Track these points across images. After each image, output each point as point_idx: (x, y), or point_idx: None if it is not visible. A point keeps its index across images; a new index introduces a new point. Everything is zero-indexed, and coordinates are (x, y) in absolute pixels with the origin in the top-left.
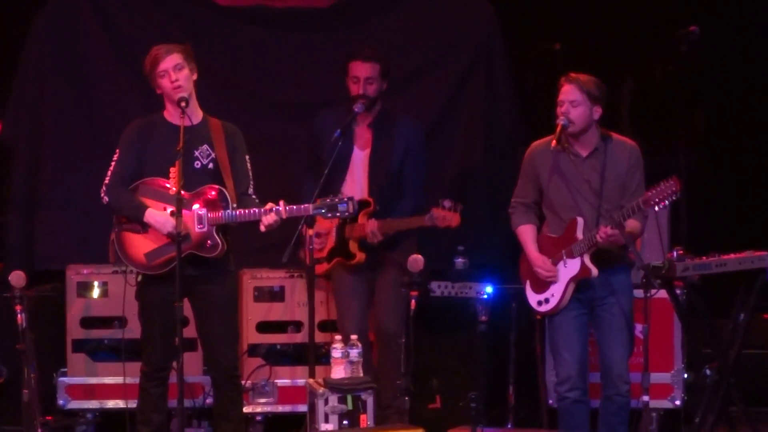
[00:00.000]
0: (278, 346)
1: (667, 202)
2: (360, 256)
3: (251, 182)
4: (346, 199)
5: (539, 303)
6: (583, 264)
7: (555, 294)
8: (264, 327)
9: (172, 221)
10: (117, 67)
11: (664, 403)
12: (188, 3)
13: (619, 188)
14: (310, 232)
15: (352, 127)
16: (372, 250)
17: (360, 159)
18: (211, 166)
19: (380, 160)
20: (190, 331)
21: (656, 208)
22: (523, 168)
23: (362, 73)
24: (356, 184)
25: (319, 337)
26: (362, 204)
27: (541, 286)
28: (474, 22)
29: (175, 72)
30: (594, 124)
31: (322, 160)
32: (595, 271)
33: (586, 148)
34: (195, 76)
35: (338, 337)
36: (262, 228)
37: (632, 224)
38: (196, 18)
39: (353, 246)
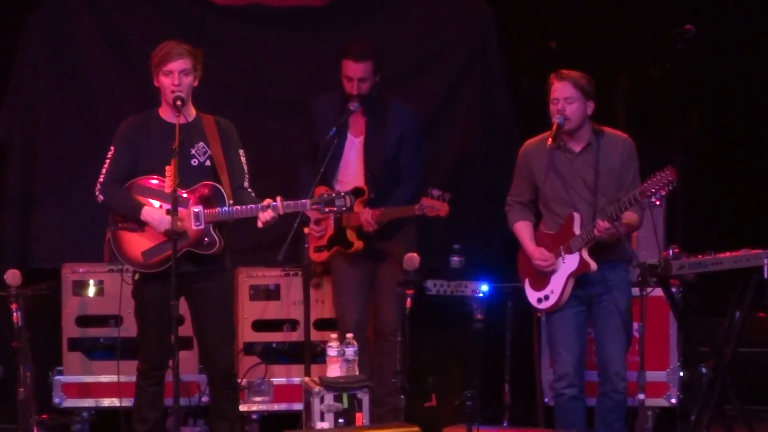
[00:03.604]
0: (274, 345)
1: (663, 192)
2: (358, 245)
3: (246, 175)
4: (342, 195)
5: (539, 300)
6: (581, 259)
7: (555, 290)
8: (260, 325)
9: (168, 219)
10: (113, 66)
11: (660, 402)
12: (185, 1)
13: (614, 182)
14: (306, 230)
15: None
16: (370, 238)
17: (354, 146)
18: (208, 163)
19: (375, 148)
20: (186, 330)
21: (653, 199)
22: (517, 167)
23: (355, 74)
24: (351, 171)
25: (315, 335)
26: (357, 192)
27: (541, 283)
28: (469, 20)
29: (180, 76)
30: (587, 120)
31: (319, 146)
32: (594, 266)
33: (579, 144)
34: (196, 83)
35: (334, 335)
36: (260, 224)
37: (630, 216)
38: (192, 16)
39: (351, 234)
